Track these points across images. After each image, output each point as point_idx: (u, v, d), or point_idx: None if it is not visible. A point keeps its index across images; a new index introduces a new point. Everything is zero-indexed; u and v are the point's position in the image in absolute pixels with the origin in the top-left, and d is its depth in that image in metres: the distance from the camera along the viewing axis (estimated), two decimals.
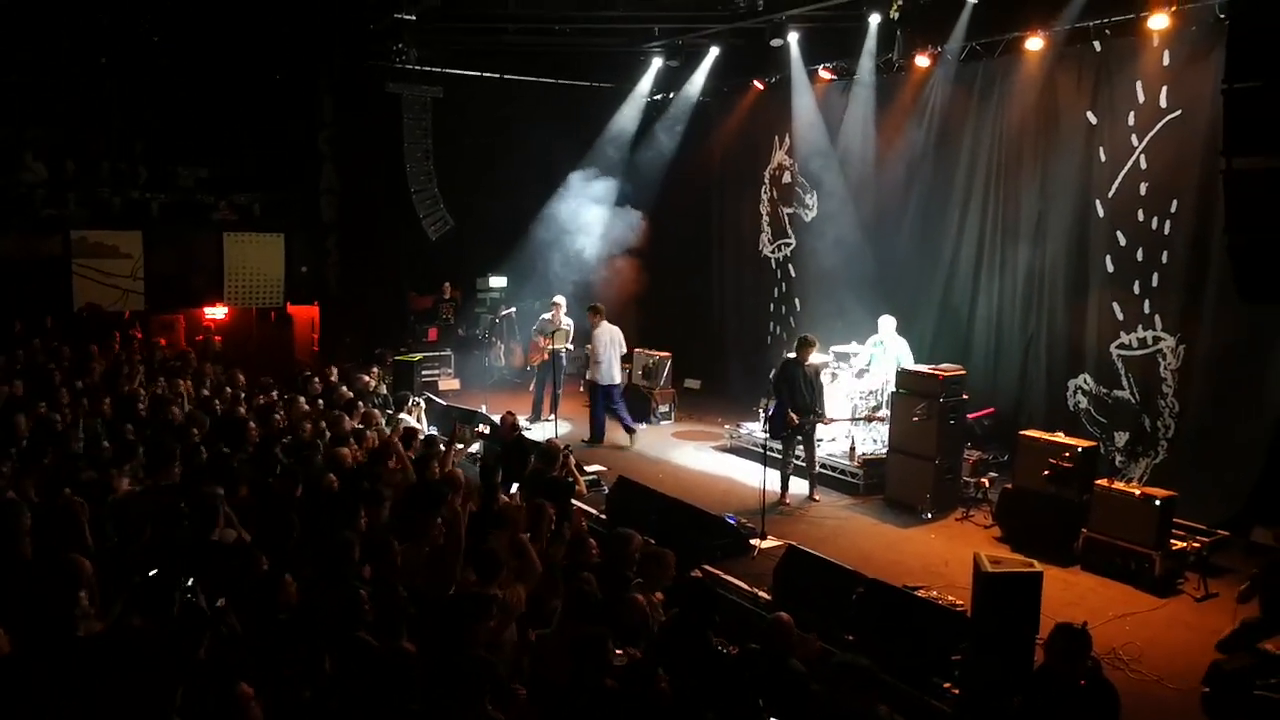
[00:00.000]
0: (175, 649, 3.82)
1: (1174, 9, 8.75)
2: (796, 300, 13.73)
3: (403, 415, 10.03)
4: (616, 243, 14.68)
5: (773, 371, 9.78)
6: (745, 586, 7.19)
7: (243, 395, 9.99)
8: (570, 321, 12.41)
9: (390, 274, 14.99)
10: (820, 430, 9.92)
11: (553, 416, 11.98)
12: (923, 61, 11.18)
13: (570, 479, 7.77)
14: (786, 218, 13.84)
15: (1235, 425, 8.63)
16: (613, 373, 11.60)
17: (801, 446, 9.41)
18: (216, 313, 14.46)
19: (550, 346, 12.03)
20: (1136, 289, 9.47)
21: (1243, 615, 5.86)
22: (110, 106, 13.92)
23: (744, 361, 14.09)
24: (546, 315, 12.57)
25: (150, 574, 4.38)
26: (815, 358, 9.66)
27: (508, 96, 14.76)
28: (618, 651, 4.11)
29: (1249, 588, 6.01)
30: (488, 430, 10.25)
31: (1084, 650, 4.58)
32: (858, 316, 11.32)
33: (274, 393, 10.07)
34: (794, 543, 7.58)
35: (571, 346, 12.61)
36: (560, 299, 12.60)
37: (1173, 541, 7.57)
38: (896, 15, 10.66)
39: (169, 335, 13.80)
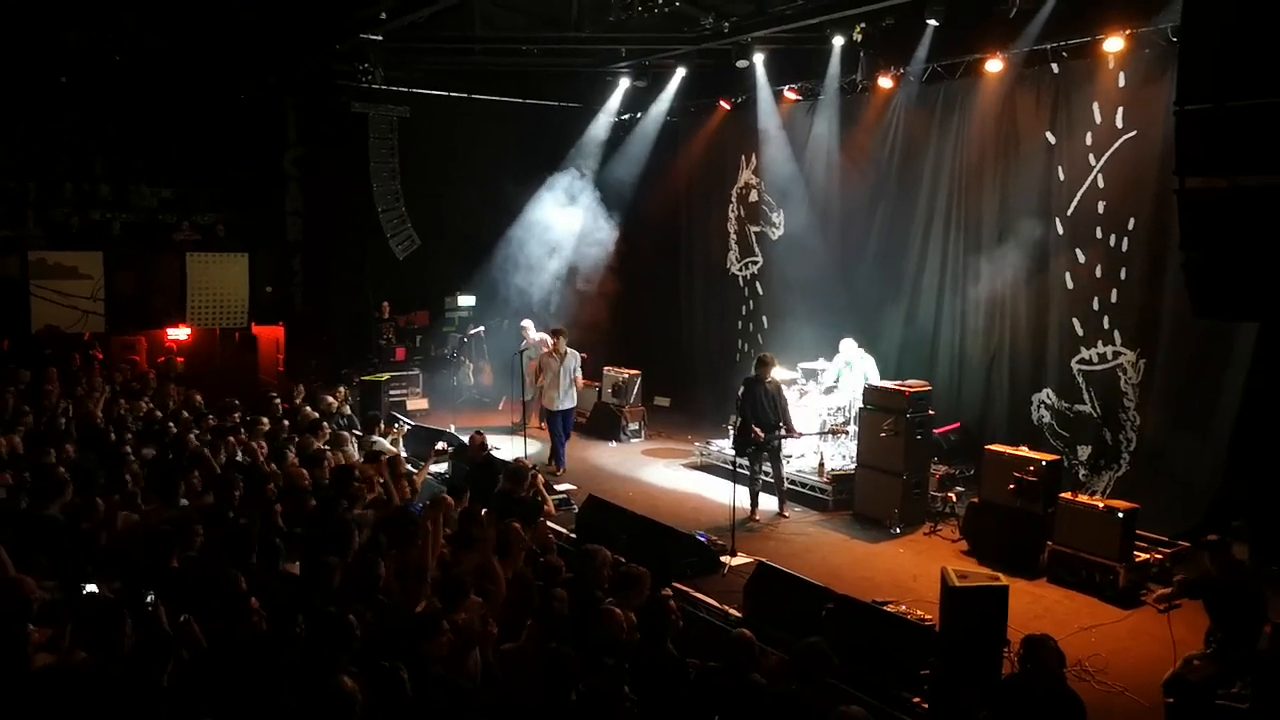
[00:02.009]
0: (135, 678, 3.73)
1: (1128, 33, 8.98)
2: (764, 318, 13.82)
3: (377, 438, 9.89)
4: (585, 261, 14.71)
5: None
6: (716, 604, 7.18)
7: (203, 418, 9.82)
8: (543, 336, 12.46)
9: (357, 294, 14.88)
10: (789, 446, 9.97)
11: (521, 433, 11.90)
12: (885, 83, 11.35)
13: (538, 498, 7.73)
14: (754, 236, 13.94)
15: (1194, 437, 8.79)
16: (567, 397, 11.26)
17: (769, 463, 9.44)
18: (179, 334, 14.26)
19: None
20: (1096, 305, 9.64)
21: (1204, 627, 5.95)
22: (71, 126, 13.73)
23: (713, 379, 14.13)
24: (530, 339, 12.60)
25: (89, 593, 4.28)
26: (778, 375, 9.71)
27: (475, 116, 14.77)
28: None
29: (1173, 594, 6.10)
30: (453, 450, 10.18)
31: (1052, 661, 4.63)
32: (825, 334, 11.40)
33: (237, 414, 9.92)
34: (764, 559, 7.59)
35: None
36: (527, 322, 12.71)
37: (1136, 553, 7.69)
38: (860, 37, 10.82)
39: (129, 357, 13.60)
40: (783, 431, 9.36)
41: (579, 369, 11.36)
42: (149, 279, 14.07)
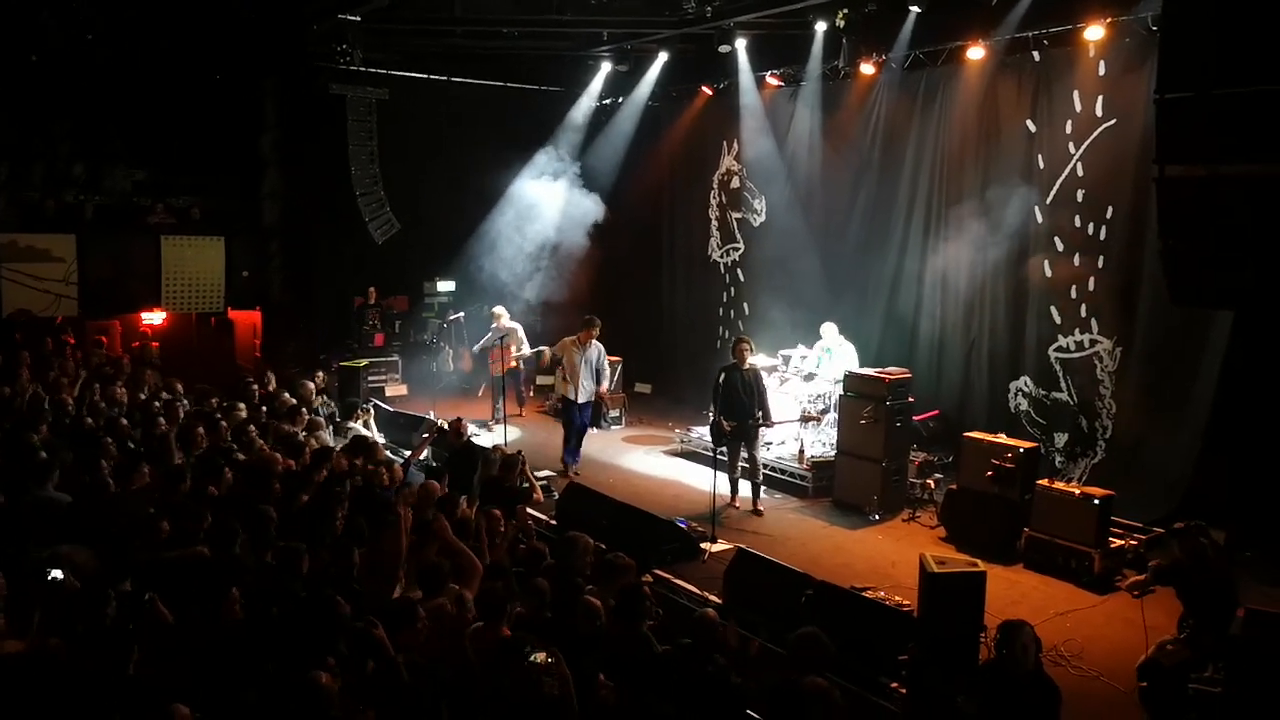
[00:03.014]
0: (102, 666, 3.68)
1: (1109, 21, 9.00)
2: (745, 304, 13.81)
3: (351, 424, 9.83)
4: (565, 246, 14.62)
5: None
6: (696, 590, 7.20)
7: (183, 402, 9.72)
8: (516, 325, 12.40)
9: (335, 279, 14.73)
10: (768, 433, 9.95)
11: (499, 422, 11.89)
12: (868, 69, 11.33)
13: (526, 485, 7.72)
14: (735, 222, 13.92)
15: (1170, 425, 8.88)
16: (584, 390, 10.80)
17: (746, 450, 9.34)
18: (154, 318, 14.07)
19: (519, 354, 12.21)
20: (1074, 293, 9.70)
21: (1178, 612, 6.01)
22: (43, 107, 13.46)
23: (694, 365, 14.13)
24: (496, 325, 12.55)
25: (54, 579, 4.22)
26: (759, 361, 9.68)
27: (455, 99, 14.62)
28: (546, 656, 4.05)
29: (1148, 580, 6.18)
30: (436, 436, 10.12)
31: (1029, 647, 4.66)
32: (806, 320, 11.42)
33: (214, 400, 9.82)
34: (744, 546, 7.61)
35: (528, 352, 12.55)
36: (499, 309, 12.64)
37: (1111, 539, 7.77)
38: (842, 24, 10.80)
39: (101, 340, 13.40)
40: (760, 419, 9.27)
41: (603, 363, 10.92)
42: (123, 262, 13.85)
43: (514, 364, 12.49)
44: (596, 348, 10.79)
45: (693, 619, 4.83)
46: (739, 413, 9.13)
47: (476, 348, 12.62)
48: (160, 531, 5.41)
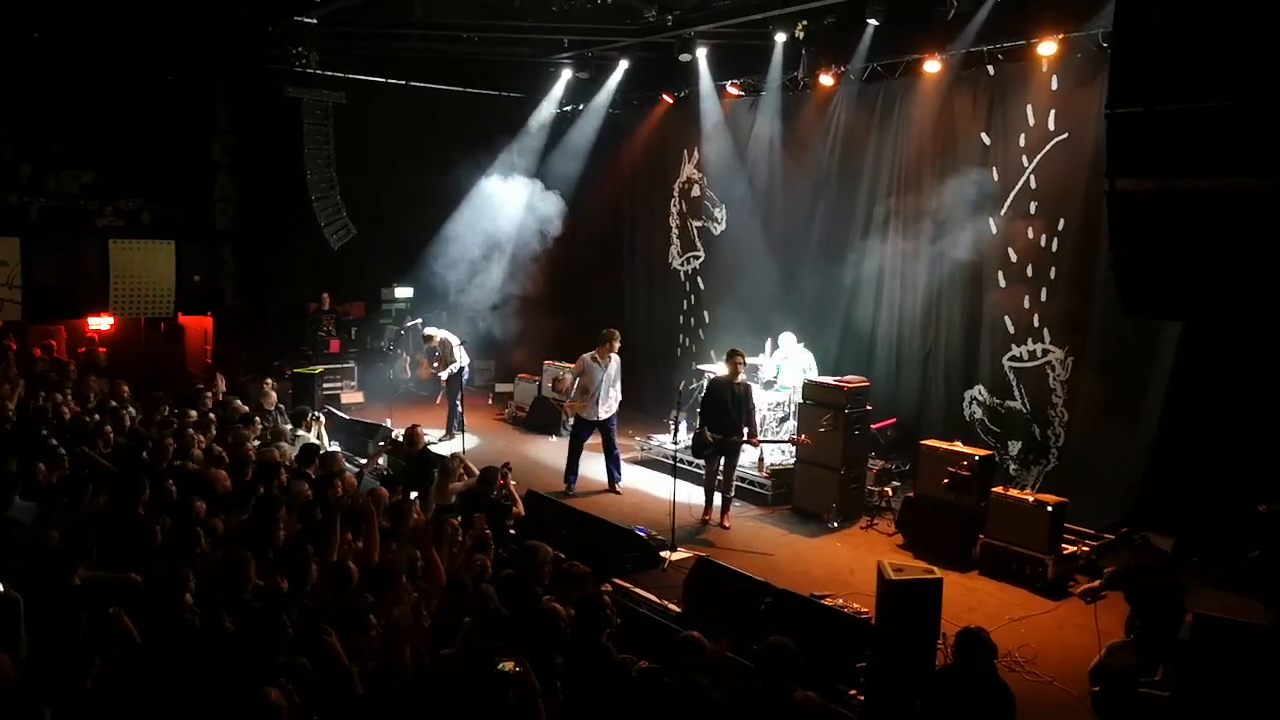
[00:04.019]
0: (59, 678, 3.57)
1: (1061, 37, 9.18)
2: (705, 313, 13.84)
3: (301, 431, 9.64)
4: (525, 253, 14.55)
5: (687, 384, 9.71)
6: (655, 599, 7.17)
7: (129, 410, 9.47)
8: (447, 336, 12.41)
9: (290, 284, 14.49)
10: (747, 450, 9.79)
11: (457, 434, 11.79)
12: (827, 81, 11.44)
13: (507, 500, 7.63)
14: (695, 231, 13.95)
15: (1121, 433, 9.04)
16: (603, 407, 10.33)
17: (724, 463, 9.15)
18: (101, 323, 13.73)
19: (448, 369, 12.15)
20: (1027, 303, 9.86)
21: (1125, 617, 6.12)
22: None
23: (654, 374, 14.10)
24: (427, 346, 12.64)
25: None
26: (716, 369, 9.60)
27: (414, 104, 14.48)
28: (513, 665, 4.00)
29: (1100, 587, 6.29)
30: (390, 447, 9.99)
31: (986, 654, 4.70)
32: (765, 329, 11.46)
33: (164, 408, 9.58)
34: (703, 554, 7.60)
35: (466, 361, 12.44)
36: (432, 330, 12.69)
37: (1064, 546, 7.88)
38: (802, 35, 10.90)
39: (47, 343, 13.06)
40: (745, 435, 9.06)
41: (618, 380, 10.45)
42: (69, 266, 13.51)
43: (430, 374, 12.50)
44: (616, 361, 10.37)
45: (676, 640, 4.74)
46: (724, 426, 8.95)
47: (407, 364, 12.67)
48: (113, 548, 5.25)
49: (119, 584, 4.89)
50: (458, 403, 12.02)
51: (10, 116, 13.14)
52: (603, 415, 10.25)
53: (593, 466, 11.32)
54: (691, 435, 9.29)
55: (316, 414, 10.39)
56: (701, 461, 9.43)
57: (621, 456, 10.59)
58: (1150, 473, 8.71)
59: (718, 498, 9.32)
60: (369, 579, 5.07)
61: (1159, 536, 7.23)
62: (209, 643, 4.27)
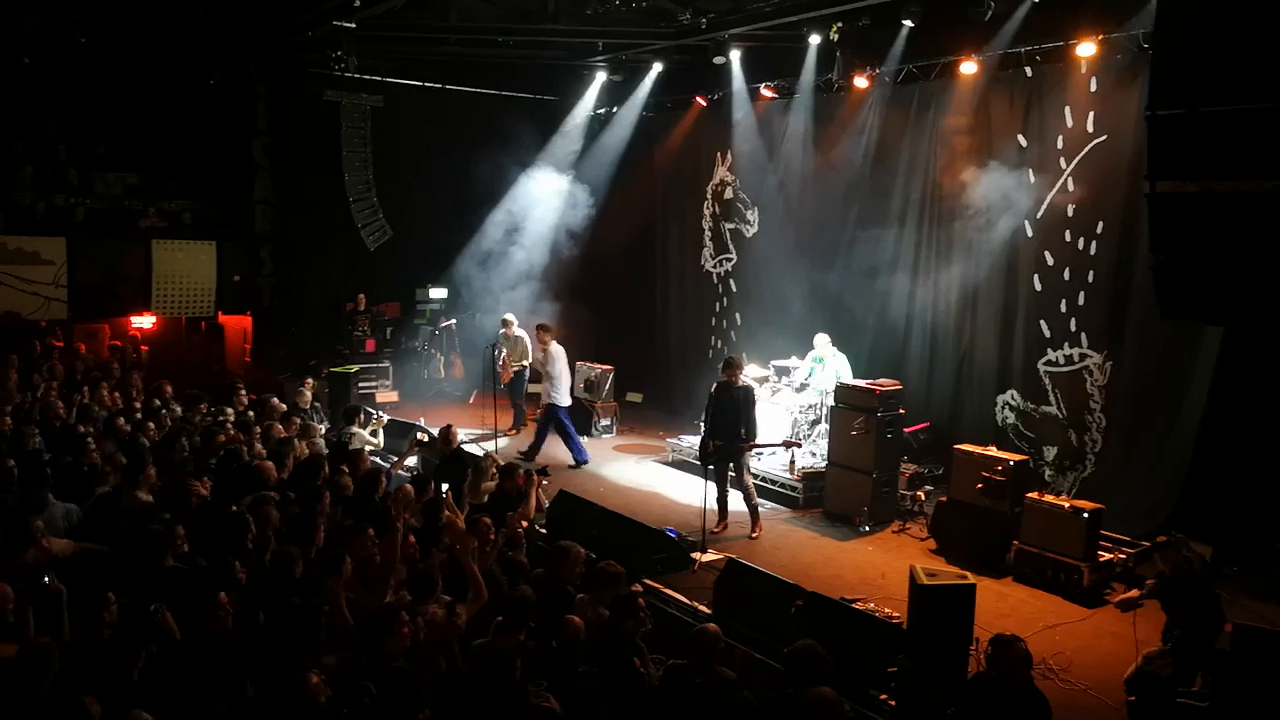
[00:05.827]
0: (107, 672, 3.66)
1: (1100, 38, 9.07)
2: (737, 315, 13.83)
3: (356, 429, 9.74)
4: (558, 255, 14.64)
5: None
6: (685, 601, 7.18)
7: (173, 407, 9.67)
8: (523, 334, 12.46)
9: (327, 284, 14.70)
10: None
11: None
12: (861, 82, 11.38)
13: (519, 498, 7.67)
14: (728, 233, 13.95)
15: (1159, 439, 8.90)
16: (567, 393, 11.55)
17: (732, 471, 9.02)
18: (144, 322, 14.01)
19: (514, 366, 12.35)
20: (1064, 307, 9.74)
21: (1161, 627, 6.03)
22: (35, 110, 13.42)
23: (686, 375, 14.11)
24: (502, 331, 12.61)
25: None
26: (751, 372, 9.57)
27: (449, 107, 14.63)
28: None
29: (1138, 596, 6.20)
30: (425, 442, 10.08)
31: (1021, 662, 4.66)
32: (797, 332, 11.44)
33: (203, 405, 9.77)
34: (734, 556, 7.60)
35: (527, 363, 12.55)
36: (510, 316, 12.70)
37: (1100, 553, 7.79)
38: (836, 36, 10.85)
39: (92, 344, 13.34)
40: (744, 437, 8.88)
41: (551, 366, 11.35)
42: (113, 266, 13.80)
43: (507, 376, 12.46)
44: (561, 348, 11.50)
45: (693, 634, 4.76)
46: (723, 431, 8.86)
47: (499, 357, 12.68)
48: (175, 540, 5.36)
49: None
50: (520, 401, 12.58)
51: (60, 119, 13.48)
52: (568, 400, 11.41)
53: (618, 465, 11.45)
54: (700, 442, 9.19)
55: (379, 414, 10.54)
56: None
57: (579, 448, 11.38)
58: (1190, 479, 8.56)
59: (740, 506, 9.14)
60: (410, 580, 5.13)
61: (1198, 544, 7.11)
62: (245, 636, 4.35)
